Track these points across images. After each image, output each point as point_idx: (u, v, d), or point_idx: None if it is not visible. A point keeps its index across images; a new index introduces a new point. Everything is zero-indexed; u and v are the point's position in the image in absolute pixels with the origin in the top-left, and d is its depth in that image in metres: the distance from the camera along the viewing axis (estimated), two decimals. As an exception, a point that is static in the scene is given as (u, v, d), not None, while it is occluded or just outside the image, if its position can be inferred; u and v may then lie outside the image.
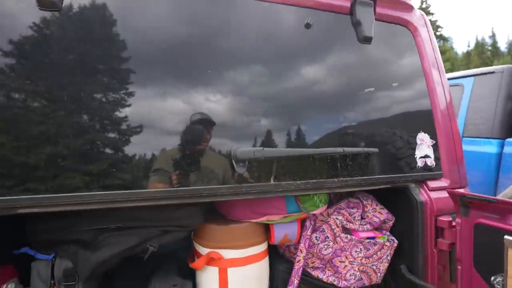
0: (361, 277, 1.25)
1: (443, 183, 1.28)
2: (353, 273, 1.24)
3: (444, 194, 1.19)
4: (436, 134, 1.29)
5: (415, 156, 1.24)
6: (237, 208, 1.17)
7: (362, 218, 1.28)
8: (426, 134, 1.27)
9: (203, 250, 1.14)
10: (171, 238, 1.09)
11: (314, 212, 1.20)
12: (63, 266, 1.00)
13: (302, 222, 1.26)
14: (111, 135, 0.87)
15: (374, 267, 1.26)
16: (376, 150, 1.15)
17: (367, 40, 1.19)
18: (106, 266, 1.02)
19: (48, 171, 0.81)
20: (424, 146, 1.26)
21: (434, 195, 1.24)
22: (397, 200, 1.30)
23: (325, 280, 1.24)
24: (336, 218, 1.23)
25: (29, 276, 0.99)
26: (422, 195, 1.24)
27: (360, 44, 1.19)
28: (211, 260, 1.12)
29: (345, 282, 1.24)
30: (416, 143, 1.25)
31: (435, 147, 1.29)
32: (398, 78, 1.27)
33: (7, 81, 0.80)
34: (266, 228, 1.22)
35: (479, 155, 3.00)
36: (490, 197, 0.95)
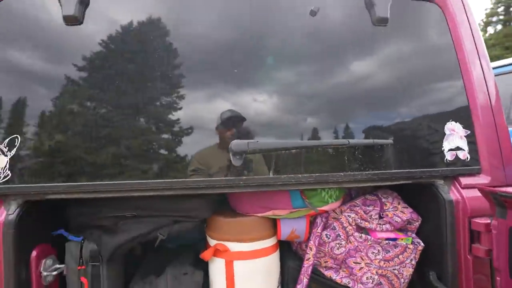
0: (380, 282, 1.14)
1: (481, 180, 1.10)
2: (371, 276, 1.14)
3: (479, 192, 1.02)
4: (473, 123, 1.11)
5: (443, 148, 1.08)
6: (243, 202, 1.18)
7: (380, 217, 1.17)
8: (458, 124, 1.11)
9: (212, 242, 1.18)
10: (181, 228, 1.16)
11: (323, 208, 1.14)
12: (89, 248, 1.14)
13: (313, 219, 1.21)
14: (112, 133, 0.98)
15: (396, 271, 1.14)
16: (390, 141, 1.04)
17: (382, 21, 1.09)
18: (123, 249, 1.13)
19: (70, 165, 0.95)
20: (455, 137, 1.10)
21: (467, 193, 1.07)
22: (423, 198, 1.16)
23: (338, 282, 1.17)
24: (349, 215, 1.15)
25: (64, 254, 1.15)
26: (452, 193, 1.08)
27: (376, 26, 1.10)
28: (217, 252, 1.15)
29: (361, 286, 1.15)
30: (444, 134, 1.09)
31: (471, 138, 1.11)
32: (424, 62, 1.13)
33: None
34: (275, 224, 1.20)
35: None
36: (527, 194, 0.78)
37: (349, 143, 0.99)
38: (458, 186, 1.08)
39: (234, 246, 1.14)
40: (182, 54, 1.01)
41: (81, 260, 1.14)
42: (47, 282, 1.08)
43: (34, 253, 1.05)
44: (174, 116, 0.99)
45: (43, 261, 1.08)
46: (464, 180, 1.09)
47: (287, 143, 0.98)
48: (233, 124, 0.99)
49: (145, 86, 0.99)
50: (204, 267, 1.24)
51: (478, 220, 1.02)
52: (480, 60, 1.15)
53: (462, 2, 1.16)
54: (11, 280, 0.96)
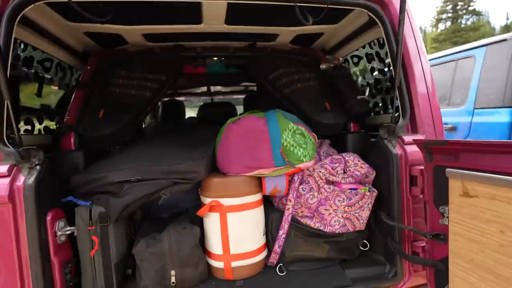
0: (345, 223, 1.43)
1: (418, 138, 1.41)
2: (337, 219, 1.42)
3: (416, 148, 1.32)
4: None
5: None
6: (233, 163, 1.39)
7: (344, 172, 1.45)
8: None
9: (206, 200, 1.38)
10: (180, 188, 1.34)
11: (299, 166, 1.39)
12: (98, 211, 1.29)
13: (291, 177, 1.46)
14: None
15: (357, 214, 1.43)
16: None
17: None
18: (130, 209, 1.29)
19: None
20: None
21: (408, 148, 1.37)
22: (376, 155, 1.46)
23: (312, 226, 1.43)
24: (320, 171, 1.41)
25: (74, 218, 1.29)
26: (397, 148, 1.38)
27: None
28: (212, 207, 1.35)
29: (331, 228, 1.42)
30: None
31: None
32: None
33: None
34: (260, 182, 1.43)
35: (491, 126, 2.98)
36: (442, 140, 1.09)
37: None
38: (402, 143, 1.39)
39: (226, 201, 1.35)
40: None
41: (90, 222, 1.29)
42: (61, 241, 1.22)
43: (49, 216, 1.18)
44: None
45: (57, 223, 1.21)
46: (406, 138, 1.40)
47: None
48: None
49: None
50: (198, 225, 1.44)
51: (415, 167, 1.33)
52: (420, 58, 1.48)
53: None
54: (34, 238, 1.09)
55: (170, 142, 1.58)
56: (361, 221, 1.45)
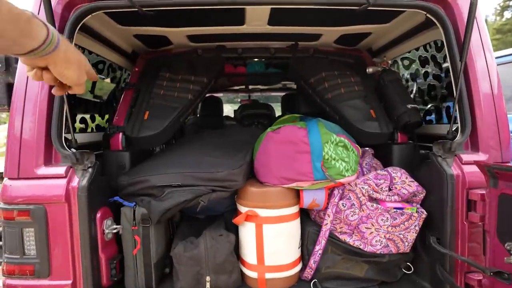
0: (388, 244, 1.34)
1: (479, 158, 1.26)
2: (379, 239, 1.33)
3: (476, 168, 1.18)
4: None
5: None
6: (272, 175, 1.36)
7: (390, 190, 1.35)
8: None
9: (243, 209, 1.38)
10: (217, 196, 1.35)
11: (340, 180, 1.32)
12: (141, 212, 1.35)
13: (331, 191, 1.39)
14: None
15: (401, 236, 1.33)
16: None
17: None
18: (171, 213, 1.33)
19: None
20: None
21: (466, 169, 1.23)
22: (428, 173, 1.33)
23: (351, 244, 1.36)
24: (362, 187, 1.33)
25: (119, 217, 1.37)
26: (454, 168, 1.24)
27: None
28: (248, 217, 1.35)
29: (371, 247, 1.34)
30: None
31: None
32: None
33: None
34: (298, 194, 1.39)
35: None
36: (513, 166, 0.95)
37: None
38: (459, 162, 1.25)
39: (263, 212, 1.33)
40: None
41: (134, 222, 1.35)
42: (108, 238, 1.30)
43: (98, 214, 1.26)
44: None
45: (105, 221, 1.30)
46: (465, 157, 1.25)
47: None
48: None
49: None
50: (233, 232, 1.44)
51: (475, 191, 1.19)
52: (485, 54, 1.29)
53: None
54: (86, 235, 1.18)
55: (210, 147, 1.60)
56: (406, 243, 1.34)
